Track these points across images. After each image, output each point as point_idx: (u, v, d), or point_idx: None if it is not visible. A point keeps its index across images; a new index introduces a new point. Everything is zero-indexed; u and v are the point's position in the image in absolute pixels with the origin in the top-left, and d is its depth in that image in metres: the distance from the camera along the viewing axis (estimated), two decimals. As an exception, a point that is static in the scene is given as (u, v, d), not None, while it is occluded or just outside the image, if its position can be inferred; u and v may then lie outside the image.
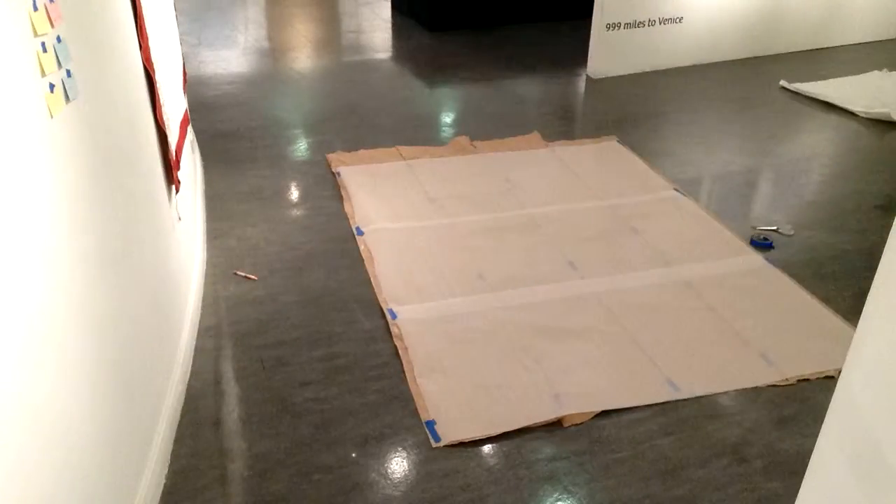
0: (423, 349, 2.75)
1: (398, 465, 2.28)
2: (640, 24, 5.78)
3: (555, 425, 2.43)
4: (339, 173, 4.11)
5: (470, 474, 2.24)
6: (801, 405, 2.52)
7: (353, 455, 2.31)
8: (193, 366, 2.67)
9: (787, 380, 2.64)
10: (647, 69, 5.95)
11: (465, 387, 2.58)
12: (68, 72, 1.64)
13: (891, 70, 5.47)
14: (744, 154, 4.41)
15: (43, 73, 1.50)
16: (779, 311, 3.03)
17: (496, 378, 2.62)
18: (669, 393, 2.57)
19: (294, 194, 3.97)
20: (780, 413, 2.49)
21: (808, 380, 2.64)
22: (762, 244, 3.44)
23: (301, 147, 4.54)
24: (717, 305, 3.04)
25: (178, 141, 2.99)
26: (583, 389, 2.57)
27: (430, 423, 2.42)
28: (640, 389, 2.58)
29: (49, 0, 1.55)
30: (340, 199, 3.87)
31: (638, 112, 4.95)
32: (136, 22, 2.42)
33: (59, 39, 1.60)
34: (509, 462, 2.29)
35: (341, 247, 3.45)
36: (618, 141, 4.62)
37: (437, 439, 2.36)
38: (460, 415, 2.46)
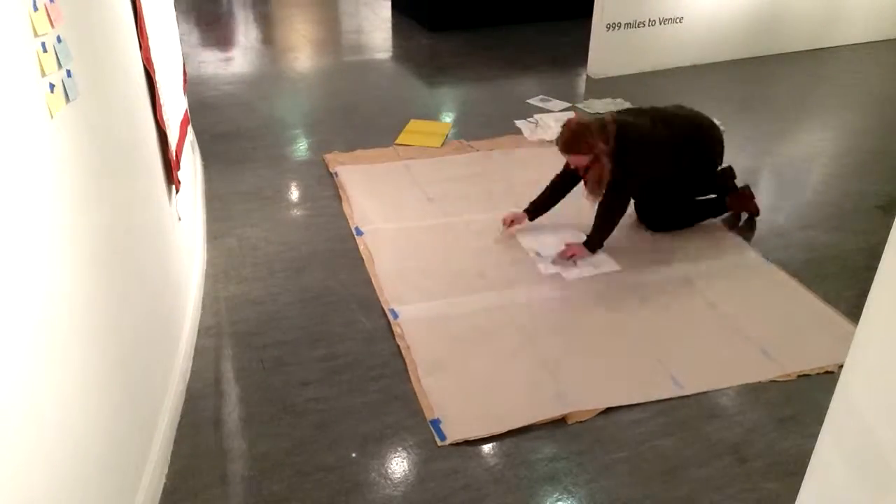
0: (425, 348, 2.75)
1: (399, 464, 2.28)
2: (640, 24, 5.78)
3: (556, 424, 2.43)
4: (336, 173, 4.11)
5: (470, 474, 2.24)
6: (801, 405, 2.52)
7: (354, 455, 2.31)
8: (193, 366, 2.67)
9: (787, 375, 2.64)
10: (647, 69, 5.94)
11: (469, 385, 2.58)
12: (68, 72, 1.64)
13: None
14: (744, 154, 4.41)
15: (43, 73, 1.50)
16: (778, 307, 3.04)
17: (499, 376, 2.62)
18: (673, 389, 2.57)
19: (294, 194, 3.97)
20: (780, 413, 2.49)
21: (808, 375, 2.64)
22: None
23: (301, 147, 4.54)
24: (717, 302, 3.04)
25: (178, 141, 2.99)
26: (586, 387, 2.57)
27: (436, 422, 2.42)
28: (643, 386, 2.59)
29: (49, 0, 1.55)
30: (340, 199, 3.87)
31: (638, 112, 4.94)
32: (136, 22, 2.42)
33: (59, 39, 1.60)
34: (509, 462, 2.29)
35: (341, 247, 3.45)
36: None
37: (443, 438, 2.36)
38: (465, 413, 2.46)
